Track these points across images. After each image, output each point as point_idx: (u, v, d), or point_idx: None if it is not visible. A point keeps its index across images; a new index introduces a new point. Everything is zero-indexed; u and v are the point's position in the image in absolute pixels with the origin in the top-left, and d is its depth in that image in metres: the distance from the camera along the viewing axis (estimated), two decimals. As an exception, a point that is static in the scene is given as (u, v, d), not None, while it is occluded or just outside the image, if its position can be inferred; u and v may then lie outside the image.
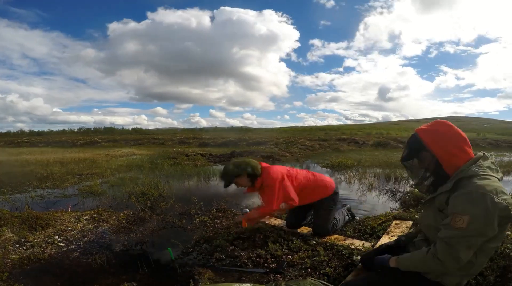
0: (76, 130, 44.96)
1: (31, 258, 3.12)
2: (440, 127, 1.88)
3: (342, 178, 7.92)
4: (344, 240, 3.46)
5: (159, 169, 9.44)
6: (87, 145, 25.46)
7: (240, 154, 13.31)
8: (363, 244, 3.32)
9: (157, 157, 12.96)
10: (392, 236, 3.37)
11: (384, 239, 3.33)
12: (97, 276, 2.80)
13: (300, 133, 42.47)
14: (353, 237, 3.55)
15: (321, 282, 2.28)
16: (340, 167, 9.80)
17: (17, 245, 3.44)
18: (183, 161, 11.44)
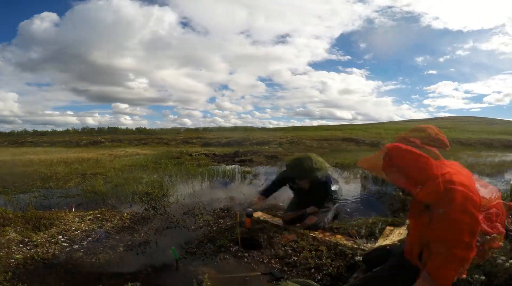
0: (80, 130, 45.12)
1: (35, 258, 3.11)
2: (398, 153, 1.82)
3: (345, 177, 7.87)
4: (347, 240, 3.43)
5: (163, 169, 9.43)
6: (91, 145, 25.57)
7: (244, 154, 13.29)
8: (367, 244, 3.29)
9: (161, 157, 12.96)
10: (394, 236, 3.34)
11: (386, 239, 3.31)
12: (100, 276, 2.79)
13: (303, 132, 42.39)
14: (356, 237, 3.52)
15: None
16: (342, 167, 9.75)
17: (20, 245, 3.43)
18: (186, 161, 11.43)
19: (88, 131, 43.55)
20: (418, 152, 1.72)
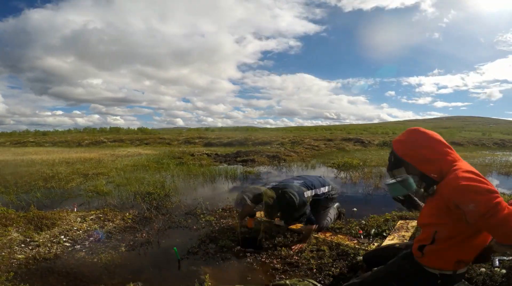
0: (82, 130, 45.23)
1: (37, 258, 3.11)
2: (410, 136, 1.88)
3: (348, 177, 7.85)
4: (349, 240, 3.42)
5: (165, 169, 9.44)
6: (93, 145, 25.57)
7: (245, 154, 13.28)
8: (372, 243, 3.28)
9: (163, 157, 12.96)
10: (397, 236, 3.32)
11: (389, 239, 3.29)
12: (102, 276, 2.79)
13: (305, 132, 42.38)
14: (358, 237, 3.50)
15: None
16: (345, 167, 9.73)
17: (22, 245, 3.43)
18: (188, 161, 11.43)
19: (90, 131, 43.61)
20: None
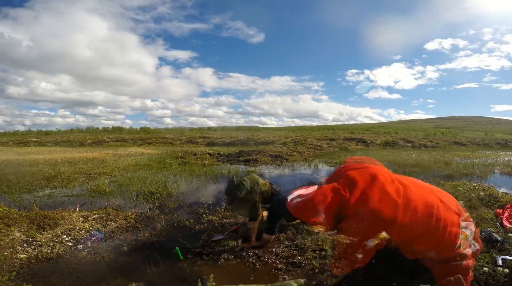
0: (84, 129, 45.27)
1: (39, 257, 3.10)
2: None
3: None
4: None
5: (167, 169, 9.43)
6: (95, 145, 25.61)
7: (248, 154, 13.25)
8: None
9: (165, 157, 12.97)
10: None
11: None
12: (105, 276, 2.77)
13: (308, 132, 42.32)
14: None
15: None
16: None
17: (25, 245, 3.42)
18: (191, 161, 11.42)
19: (93, 131, 43.67)
20: None
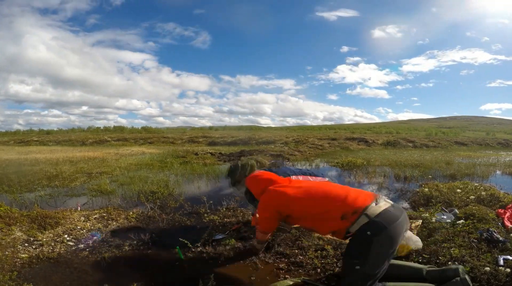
0: (85, 128, 45.30)
1: (40, 257, 3.10)
2: None
3: (352, 177, 7.81)
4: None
5: (169, 168, 9.44)
6: (97, 144, 25.67)
7: (249, 153, 13.26)
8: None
9: (167, 156, 12.98)
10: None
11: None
12: (106, 275, 2.76)
13: (309, 132, 42.33)
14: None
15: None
16: (349, 166, 9.68)
17: (26, 244, 3.42)
18: (192, 160, 11.43)
19: (94, 130, 43.72)
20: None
